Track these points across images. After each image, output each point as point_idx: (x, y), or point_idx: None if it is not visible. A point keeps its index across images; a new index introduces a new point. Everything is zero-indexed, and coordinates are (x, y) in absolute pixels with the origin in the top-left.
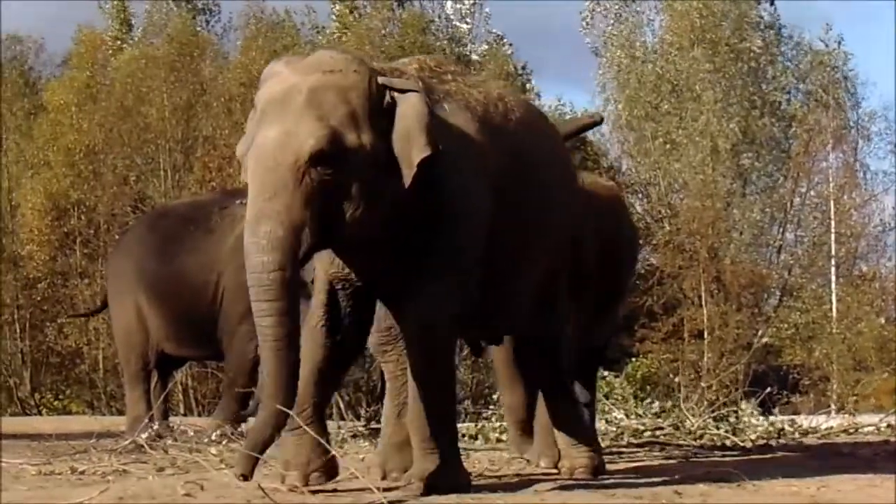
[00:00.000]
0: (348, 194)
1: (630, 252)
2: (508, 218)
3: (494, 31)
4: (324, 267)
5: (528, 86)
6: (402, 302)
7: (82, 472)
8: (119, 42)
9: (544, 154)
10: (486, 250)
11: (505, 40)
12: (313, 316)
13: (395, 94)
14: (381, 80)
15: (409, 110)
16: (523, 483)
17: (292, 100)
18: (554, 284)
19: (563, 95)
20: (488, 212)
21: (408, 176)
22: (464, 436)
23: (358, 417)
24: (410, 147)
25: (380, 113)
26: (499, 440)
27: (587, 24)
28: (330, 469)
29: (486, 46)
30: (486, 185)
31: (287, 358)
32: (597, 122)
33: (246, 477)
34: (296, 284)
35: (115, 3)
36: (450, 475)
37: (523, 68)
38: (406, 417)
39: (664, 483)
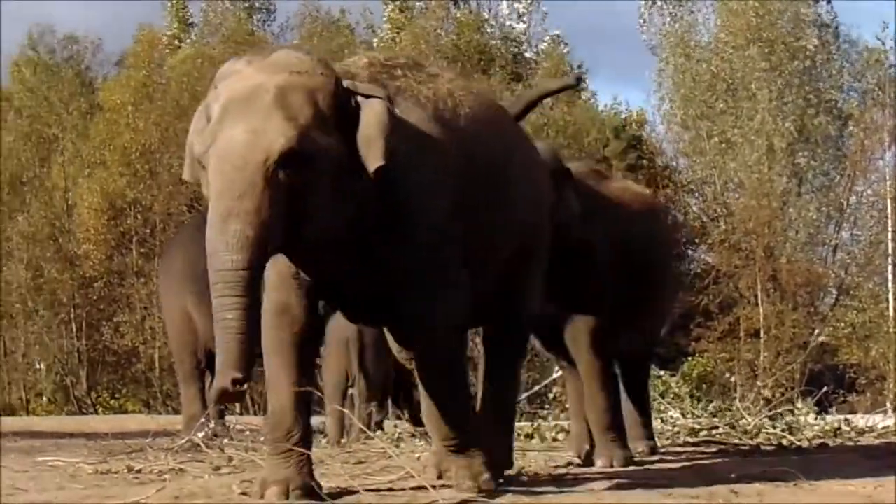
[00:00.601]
0: (315, 195)
1: (662, 259)
2: (465, 217)
3: (551, 30)
4: (276, 267)
5: (585, 85)
6: (394, 306)
7: (139, 471)
8: (176, 41)
9: (497, 148)
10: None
11: (561, 39)
12: (278, 327)
13: (360, 99)
14: (346, 83)
15: (371, 117)
16: (579, 482)
17: (259, 98)
18: (519, 275)
19: (619, 95)
20: (447, 208)
21: (369, 179)
22: (520, 435)
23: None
24: (369, 154)
25: (345, 116)
26: (555, 439)
27: (644, 21)
28: (310, 491)
29: (543, 46)
30: (446, 182)
31: (248, 344)
32: (571, 85)
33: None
34: (259, 284)
35: (175, 1)
36: (491, 465)
37: (579, 67)
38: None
39: (720, 482)
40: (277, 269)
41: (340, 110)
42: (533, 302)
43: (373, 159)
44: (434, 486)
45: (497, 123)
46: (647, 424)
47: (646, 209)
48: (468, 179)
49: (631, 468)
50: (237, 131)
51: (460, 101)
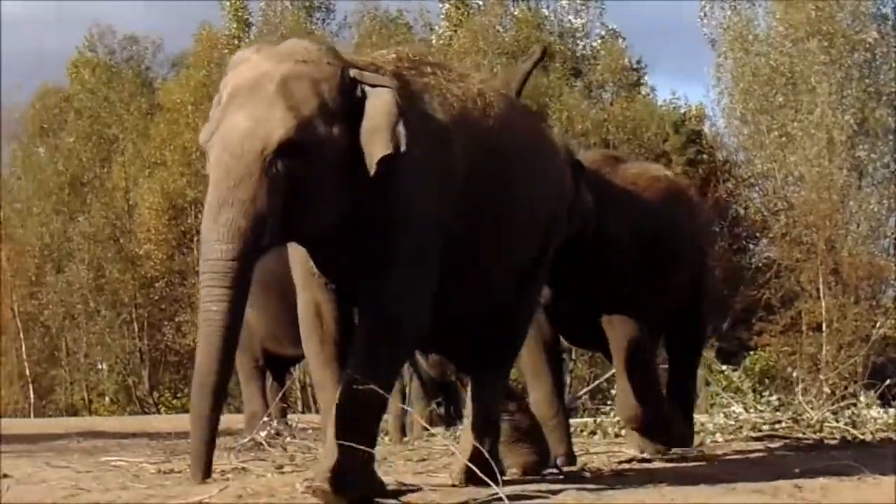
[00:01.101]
0: (313, 188)
1: (686, 246)
2: (483, 216)
3: (609, 25)
4: (302, 265)
5: (642, 80)
6: (359, 301)
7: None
8: (235, 41)
9: (522, 149)
10: (459, 249)
11: (618, 33)
12: (313, 325)
13: (366, 88)
14: (352, 73)
15: (378, 106)
16: (642, 477)
17: (262, 87)
18: (530, 272)
19: (678, 90)
20: (433, 218)
21: (369, 172)
22: (582, 431)
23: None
24: (374, 144)
25: (350, 106)
26: (617, 435)
27: (705, 15)
28: (374, 489)
29: (600, 41)
30: (446, 189)
31: (229, 348)
32: (540, 58)
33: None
34: (250, 277)
35: (234, 1)
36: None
37: (637, 62)
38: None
39: (784, 477)
40: (303, 267)
41: (346, 100)
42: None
43: (378, 149)
44: (496, 482)
45: (524, 125)
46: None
47: (664, 194)
48: (490, 180)
49: (693, 463)
50: (238, 119)
51: (490, 102)
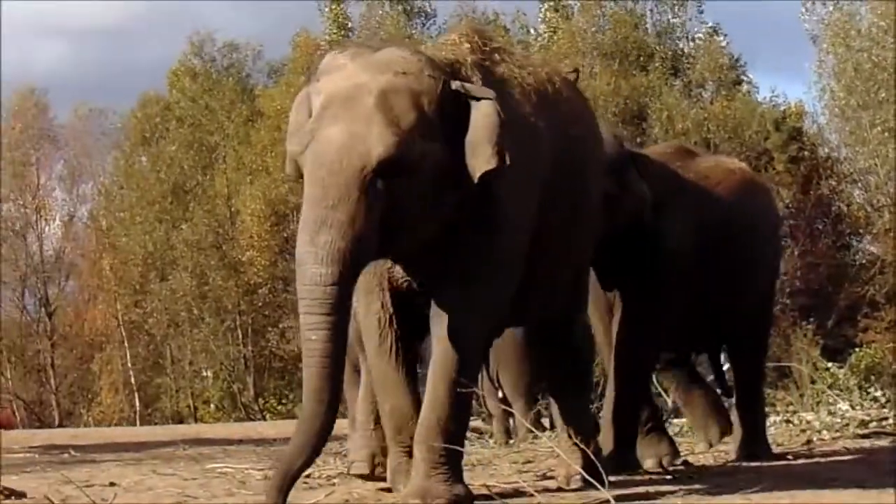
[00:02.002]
0: (411, 204)
1: (757, 243)
2: (556, 211)
3: (708, 22)
4: (377, 272)
5: (743, 77)
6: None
7: (308, 476)
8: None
9: (587, 139)
10: (532, 244)
11: (718, 30)
12: (376, 329)
13: (469, 101)
14: (454, 85)
15: (481, 119)
16: (749, 477)
17: (361, 100)
18: (581, 273)
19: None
20: (529, 220)
21: (471, 184)
22: (687, 431)
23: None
24: (478, 158)
25: (450, 119)
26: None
27: (806, 10)
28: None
29: (699, 39)
30: (534, 188)
31: (334, 378)
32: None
33: None
34: (350, 302)
35: (333, 6)
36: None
37: (736, 60)
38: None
39: (890, 475)
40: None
41: (446, 114)
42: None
43: (482, 163)
44: (603, 484)
45: (584, 111)
46: (751, 430)
47: (739, 188)
48: (567, 170)
49: (800, 461)
50: (335, 133)
51: (558, 88)
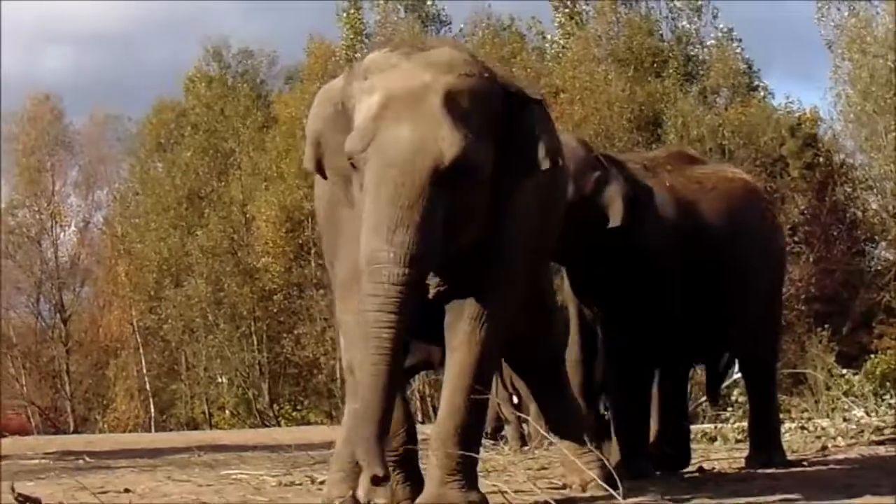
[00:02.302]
0: (471, 205)
1: (751, 254)
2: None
3: (722, 28)
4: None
5: (758, 84)
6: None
7: (322, 482)
8: (349, 52)
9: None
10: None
11: (733, 35)
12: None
13: (520, 103)
14: (512, 88)
15: (538, 120)
16: (764, 483)
17: (427, 100)
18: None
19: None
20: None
21: (503, 189)
22: (703, 437)
23: None
24: (531, 156)
25: (502, 121)
26: (738, 440)
27: (822, 16)
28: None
29: (714, 44)
30: (557, 210)
31: (396, 377)
32: None
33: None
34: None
35: (350, 12)
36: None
37: (749, 67)
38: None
39: None
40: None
41: (502, 116)
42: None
43: (541, 162)
44: (619, 491)
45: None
46: (765, 437)
47: (733, 196)
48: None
49: (815, 468)
50: (404, 133)
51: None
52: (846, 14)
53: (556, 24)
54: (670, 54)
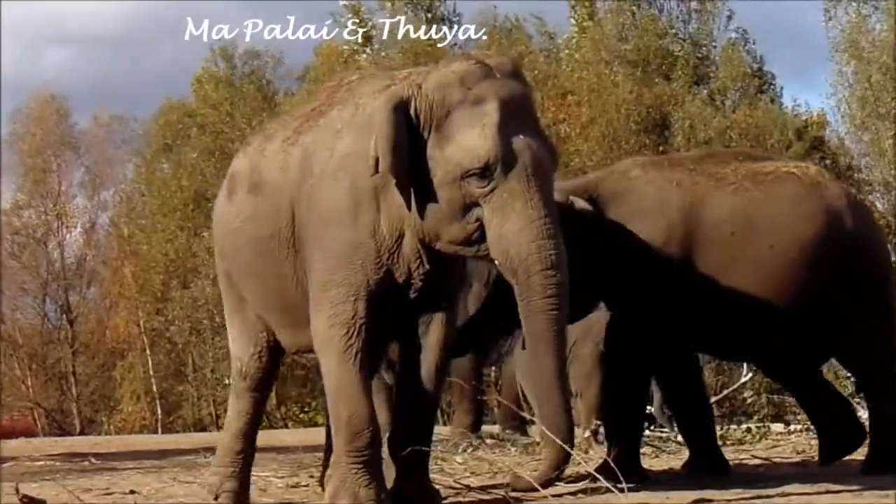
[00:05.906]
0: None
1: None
2: None
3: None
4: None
5: (771, 84)
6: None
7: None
8: (354, 53)
9: None
10: None
11: (742, 38)
12: (344, 342)
13: None
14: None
15: None
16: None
17: (530, 109)
18: None
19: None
20: None
21: None
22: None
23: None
24: None
25: None
26: (741, 442)
27: (830, 18)
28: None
29: (725, 45)
30: None
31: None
32: None
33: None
34: None
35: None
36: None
37: (758, 69)
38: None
39: None
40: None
41: None
42: None
43: None
44: (623, 491)
45: None
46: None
47: (781, 191)
48: None
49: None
50: (535, 142)
51: None
52: (852, 16)
53: (573, 23)
54: (679, 53)
